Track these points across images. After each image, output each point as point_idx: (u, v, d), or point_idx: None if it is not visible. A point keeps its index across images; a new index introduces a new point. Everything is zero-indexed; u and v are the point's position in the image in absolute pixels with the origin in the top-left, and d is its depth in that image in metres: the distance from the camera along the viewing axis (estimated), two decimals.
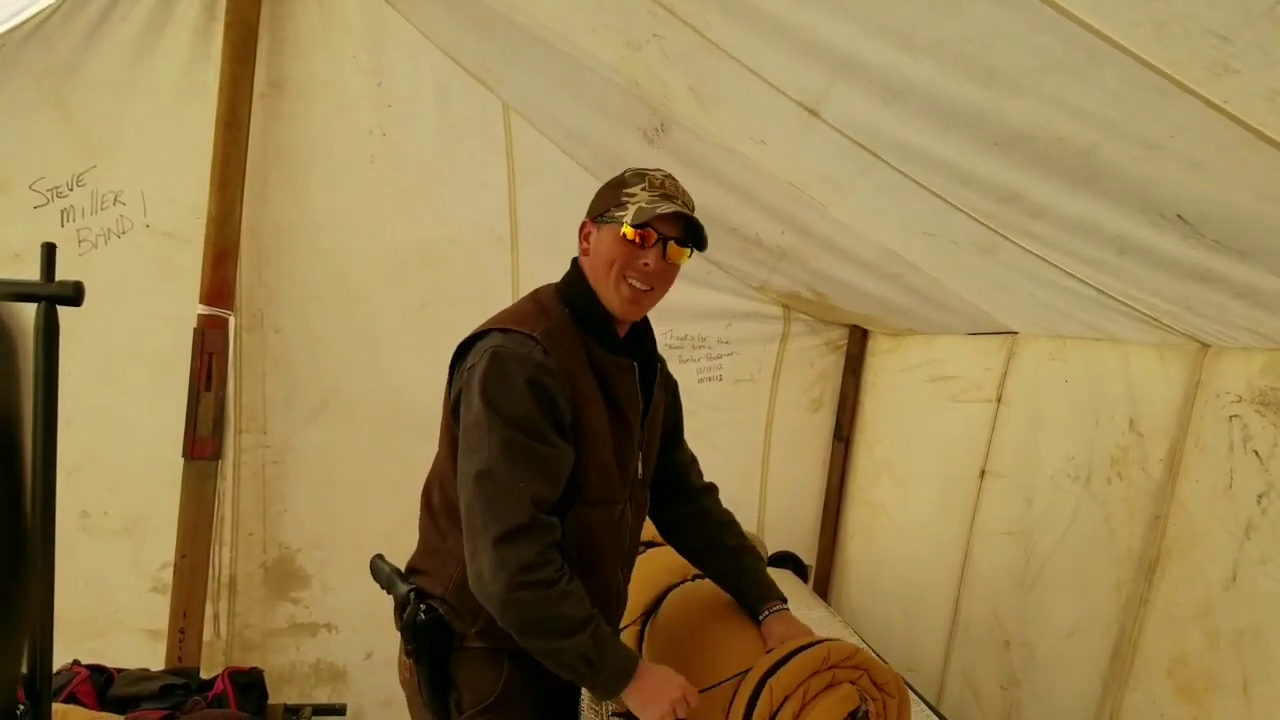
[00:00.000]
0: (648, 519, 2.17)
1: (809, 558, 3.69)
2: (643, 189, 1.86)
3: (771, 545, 3.60)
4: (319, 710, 3.37)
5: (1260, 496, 1.86)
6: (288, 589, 3.54)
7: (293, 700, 3.47)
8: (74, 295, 1.33)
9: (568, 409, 1.80)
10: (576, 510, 1.85)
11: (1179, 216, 1.56)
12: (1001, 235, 2.04)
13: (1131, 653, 2.12)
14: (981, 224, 2.04)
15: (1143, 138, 1.42)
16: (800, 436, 3.72)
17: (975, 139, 1.73)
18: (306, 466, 3.46)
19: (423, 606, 1.92)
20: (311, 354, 3.42)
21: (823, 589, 3.71)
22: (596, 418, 1.86)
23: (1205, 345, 2.09)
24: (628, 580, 2.09)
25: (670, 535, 2.25)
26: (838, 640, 1.87)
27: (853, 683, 1.81)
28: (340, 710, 3.42)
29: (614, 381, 1.90)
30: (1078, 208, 1.73)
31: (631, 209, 1.83)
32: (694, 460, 2.29)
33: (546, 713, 2.05)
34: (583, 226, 1.95)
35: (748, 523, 3.60)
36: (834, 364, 3.69)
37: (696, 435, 3.58)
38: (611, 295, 1.88)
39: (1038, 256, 2.04)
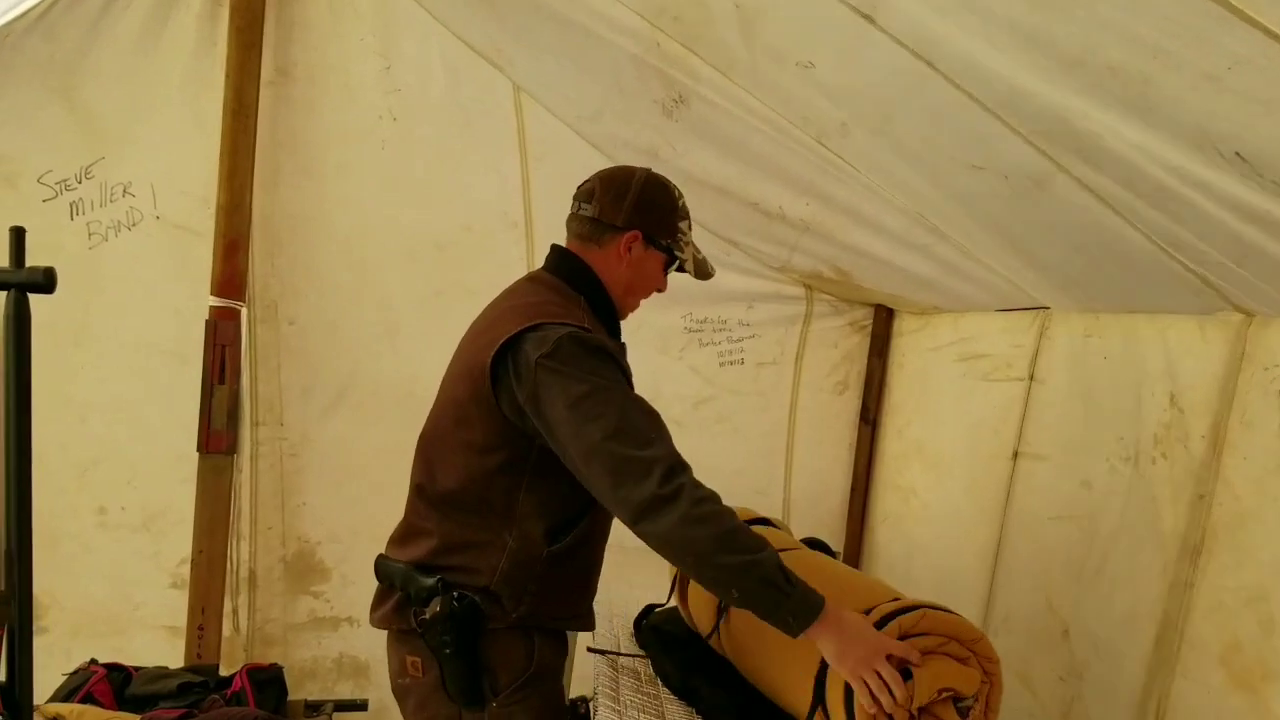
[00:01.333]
0: None
1: (836, 544, 3.60)
2: (689, 229, 2.11)
3: (797, 531, 3.50)
4: (341, 706, 3.35)
5: None
6: (308, 583, 3.50)
7: (315, 696, 3.44)
8: (45, 282, 1.27)
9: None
10: (595, 509, 1.98)
11: (1238, 154, 1.46)
12: (1056, 163, 1.93)
13: (1178, 639, 2.02)
14: (1037, 149, 1.94)
15: (1198, 68, 1.34)
16: (825, 420, 3.63)
17: (1029, 60, 1.68)
18: (324, 458, 3.41)
19: (454, 595, 1.93)
20: (327, 344, 3.37)
21: None
22: None
23: (1249, 315, 1.98)
24: None
25: None
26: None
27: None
28: (362, 705, 3.39)
29: (622, 365, 1.95)
30: (1134, 137, 1.64)
31: (689, 252, 2.10)
32: None
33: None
34: (631, 237, 2.03)
35: (772, 508, 3.53)
36: (859, 345, 3.59)
37: (720, 419, 3.54)
38: (628, 307, 2.12)
39: (1091, 191, 1.93)
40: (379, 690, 3.49)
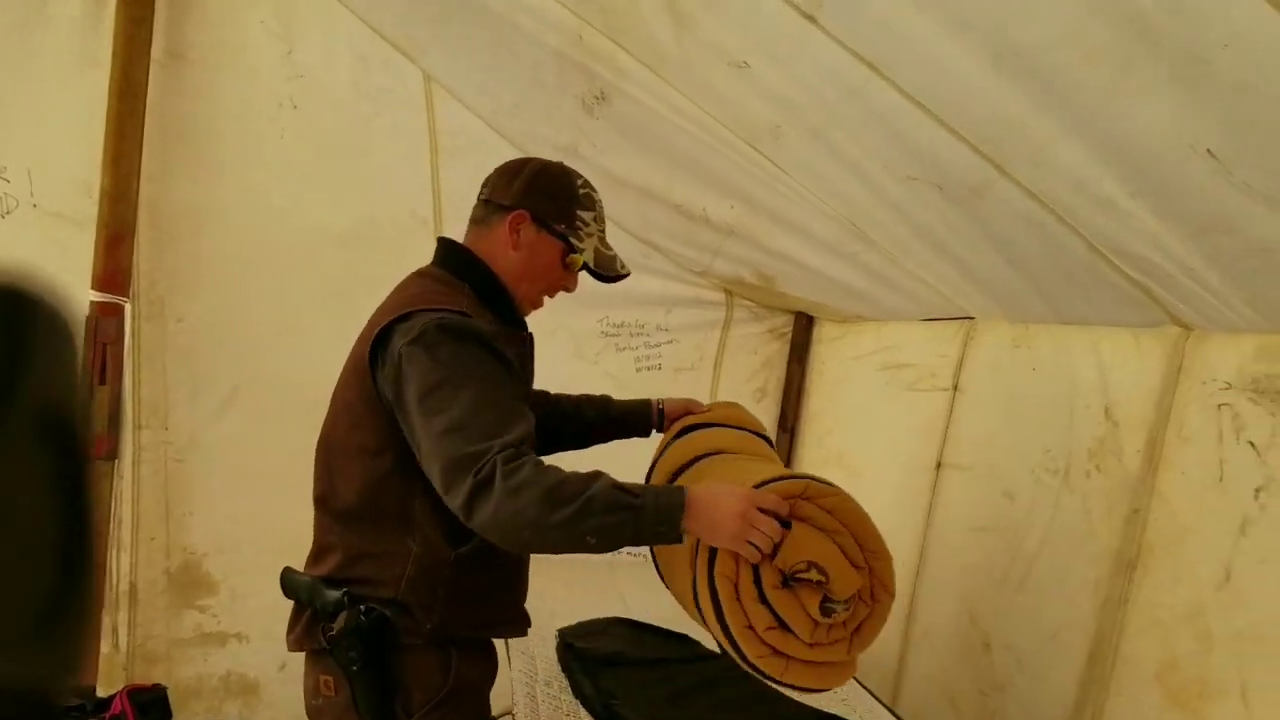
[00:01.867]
0: None
1: None
2: (594, 220, 1.96)
3: None
4: None
5: (1258, 491, 1.74)
6: (194, 596, 3.28)
7: (201, 717, 3.24)
8: None
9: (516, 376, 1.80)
10: None
11: (1209, 152, 1.43)
12: (999, 169, 1.89)
13: (1112, 656, 2.00)
14: (981, 154, 1.89)
15: (1189, 50, 1.30)
16: None
17: (986, 47, 1.60)
18: (213, 464, 3.20)
19: (361, 608, 1.80)
20: (218, 343, 3.16)
21: None
22: (520, 390, 1.85)
23: (1187, 329, 1.97)
24: None
25: (554, 446, 2.28)
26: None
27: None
28: None
29: (515, 354, 1.86)
30: (1096, 136, 1.60)
31: (589, 245, 1.95)
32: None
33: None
34: (517, 216, 1.91)
35: None
36: (778, 352, 3.54)
37: None
38: (524, 298, 1.96)
39: (1034, 197, 1.89)
40: (270, 710, 3.31)
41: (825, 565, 1.62)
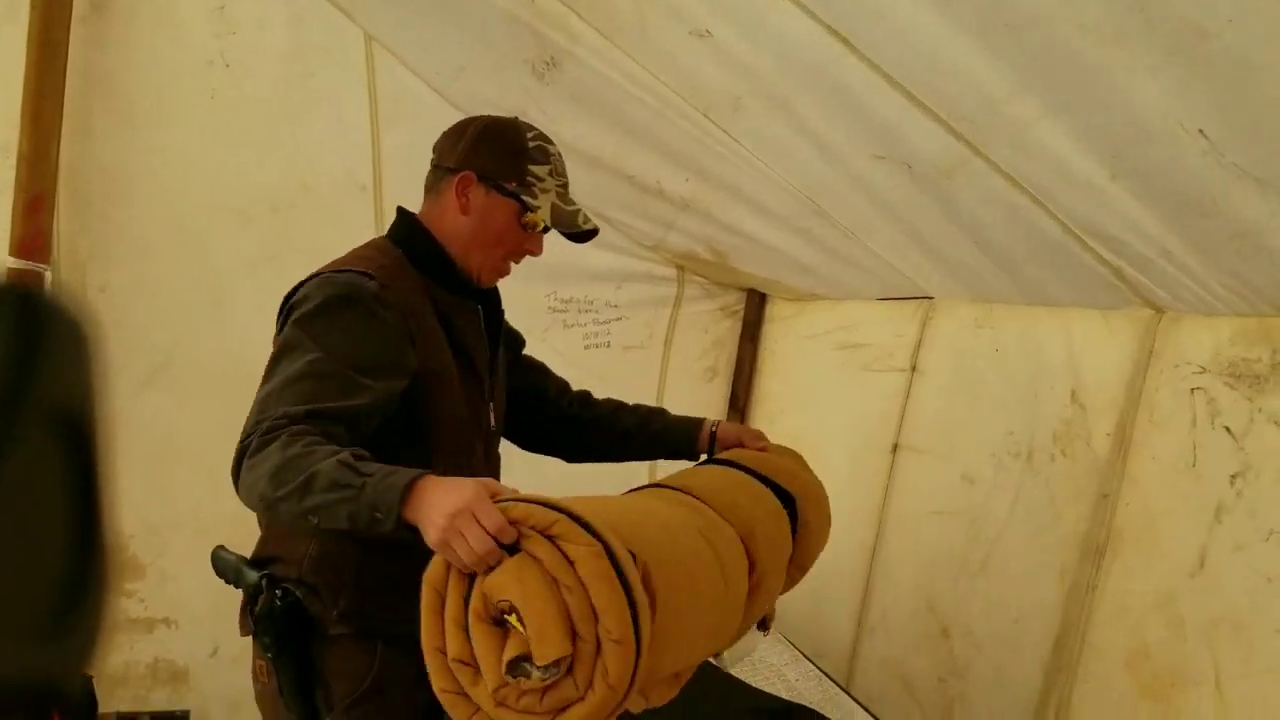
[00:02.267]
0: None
1: None
2: (549, 174, 1.79)
3: None
4: (158, 717, 3.04)
5: (1234, 477, 1.70)
6: (119, 580, 3.11)
7: (127, 707, 3.08)
8: None
9: (405, 348, 1.64)
10: (436, 464, 1.61)
11: (1200, 131, 1.38)
12: (974, 149, 1.82)
13: (1079, 643, 1.96)
14: (954, 133, 1.82)
15: (1194, 24, 1.24)
16: (693, 407, 3.42)
17: (974, 20, 1.53)
18: (139, 442, 3.01)
19: (278, 592, 1.67)
20: (144, 314, 2.98)
21: None
22: (443, 360, 1.72)
23: (1159, 311, 1.93)
24: None
25: (583, 453, 2.21)
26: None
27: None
28: (182, 716, 3.07)
29: (458, 324, 1.77)
30: (1082, 115, 1.55)
31: (544, 201, 1.77)
32: (560, 379, 2.23)
33: (434, 708, 1.78)
34: (463, 178, 1.76)
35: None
36: (730, 330, 3.45)
37: None
38: (481, 266, 1.80)
39: (1008, 178, 1.83)
40: (199, 697, 3.15)
41: (528, 615, 1.27)
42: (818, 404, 3.09)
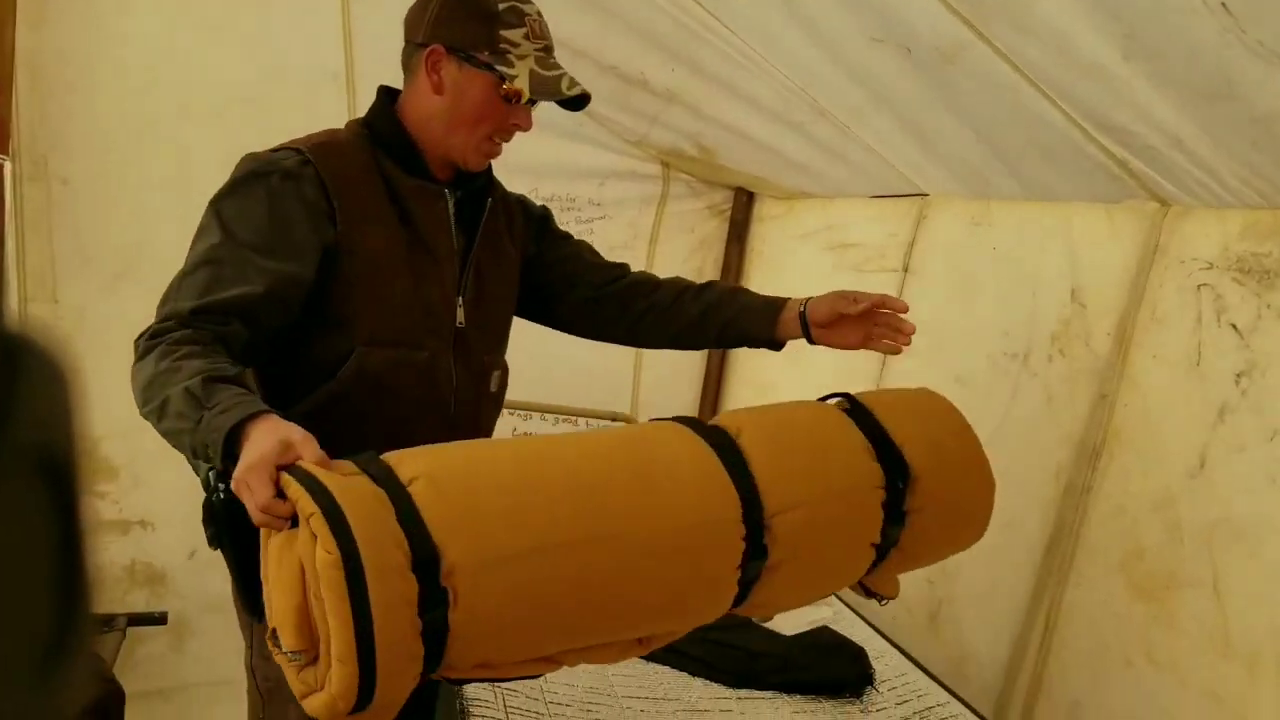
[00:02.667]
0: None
1: None
2: (525, 38, 1.62)
3: None
4: (135, 619, 3.01)
5: (1239, 376, 1.64)
6: (92, 482, 3.05)
7: (105, 608, 3.05)
8: None
9: (319, 225, 1.55)
10: (360, 352, 1.60)
11: (1223, 5, 1.28)
12: (976, 31, 1.72)
13: (1073, 545, 1.93)
14: (958, 15, 1.72)
15: None
16: None
17: None
18: (109, 341, 2.85)
19: (221, 486, 1.57)
20: (109, 208, 2.87)
21: None
22: (382, 242, 1.62)
23: (1165, 205, 1.85)
24: None
25: (638, 338, 2.07)
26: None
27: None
28: (160, 619, 3.05)
29: (415, 209, 1.66)
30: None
31: (522, 69, 1.61)
32: (603, 261, 2.04)
33: None
34: (431, 53, 1.62)
35: (621, 405, 3.31)
36: (717, 230, 3.36)
37: None
38: (465, 148, 1.67)
39: (1011, 63, 1.73)
40: (179, 599, 3.12)
41: (272, 601, 1.22)
42: None
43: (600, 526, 1.25)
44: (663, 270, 3.32)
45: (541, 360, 3.19)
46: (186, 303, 1.43)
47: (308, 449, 1.22)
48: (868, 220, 2.74)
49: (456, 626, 1.16)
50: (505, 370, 1.90)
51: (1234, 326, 1.67)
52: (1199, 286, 1.75)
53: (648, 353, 3.37)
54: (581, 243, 2.03)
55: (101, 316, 2.91)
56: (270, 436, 1.22)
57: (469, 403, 1.77)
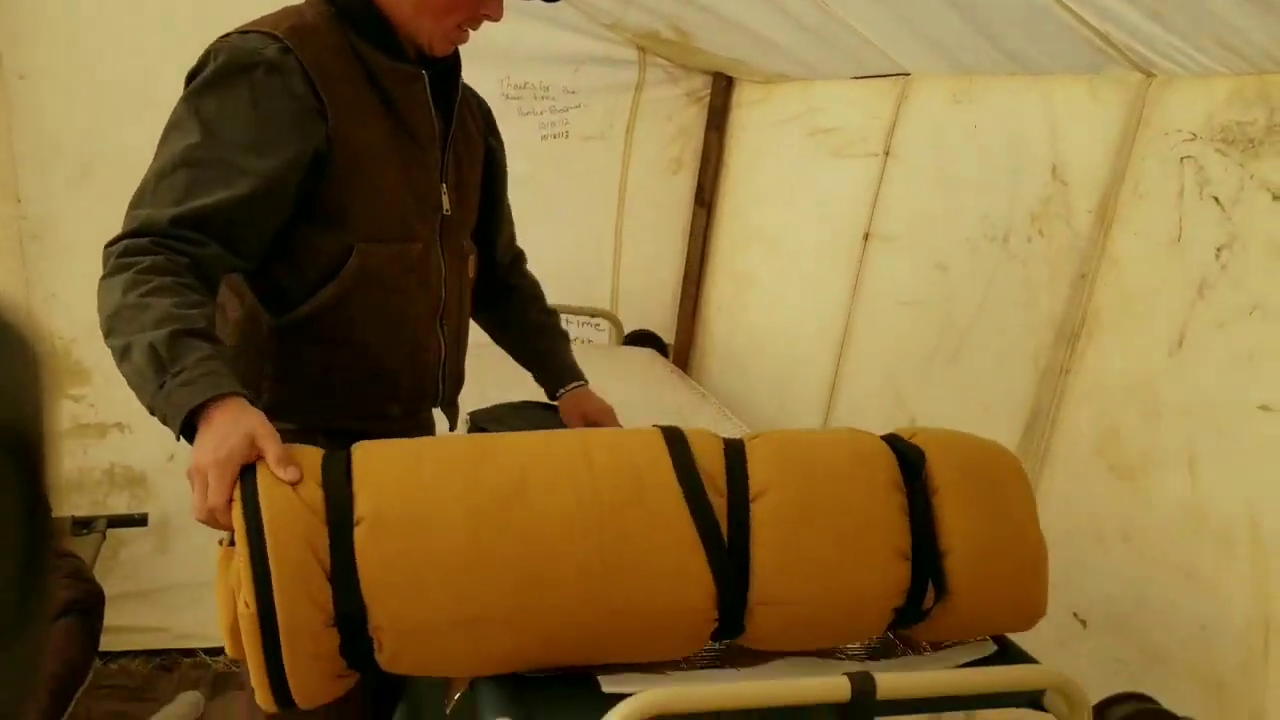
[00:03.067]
0: None
1: (667, 336, 3.39)
2: None
3: (627, 323, 3.28)
4: (115, 521, 3.02)
5: (1220, 250, 1.60)
6: (65, 385, 3.02)
7: (85, 511, 3.05)
8: None
9: (307, 120, 1.48)
10: (360, 249, 1.56)
11: None
12: None
13: (1049, 428, 1.90)
14: None
15: None
16: (657, 201, 3.33)
17: None
18: (74, 242, 2.87)
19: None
20: (69, 104, 2.79)
21: (682, 369, 3.43)
22: (370, 132, 1.56)
23: (1149, 75, 1.78)
24: (456, 347, 1.79)
25: (475, 310, 2.00)
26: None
27: None
28: (141, 520, 3.06)
29: (396, 92, 1.59)
30: None
31: None
32: (513, 236, 2.08)
33: None
34: None
35: (599, 299, 3.27)
36: (695, 117, 3.27)
37: (541, 201, 3.16)
38: (432, 34, 1.60)
39: None
40: (159, 503, 3.13)
41: (219, 603, 1.22)
42: (787, 194, 2.95)
43: (543, 603, 1.18)
44: (640, 162, 3.26)
45: None
46: (164, 210, 1.37)
47: (270, 446, 1.19)
48: (848, 103, 2.66)
49: (385, 663, 1.17)
50: (476, 254, 1.88)
51: (1216, 199, 1.62)
52: (1182, 159, 1.70)
53: (627, 247, 3.32)
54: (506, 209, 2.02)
55: (66, 215, 2.86)
56: (236, 430, 1.20)
57: (455, 291, 1.75)
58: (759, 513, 1.26)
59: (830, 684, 1.16)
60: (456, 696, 1.26)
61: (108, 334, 1.29)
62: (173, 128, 1.43)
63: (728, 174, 3.28)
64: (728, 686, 1.21)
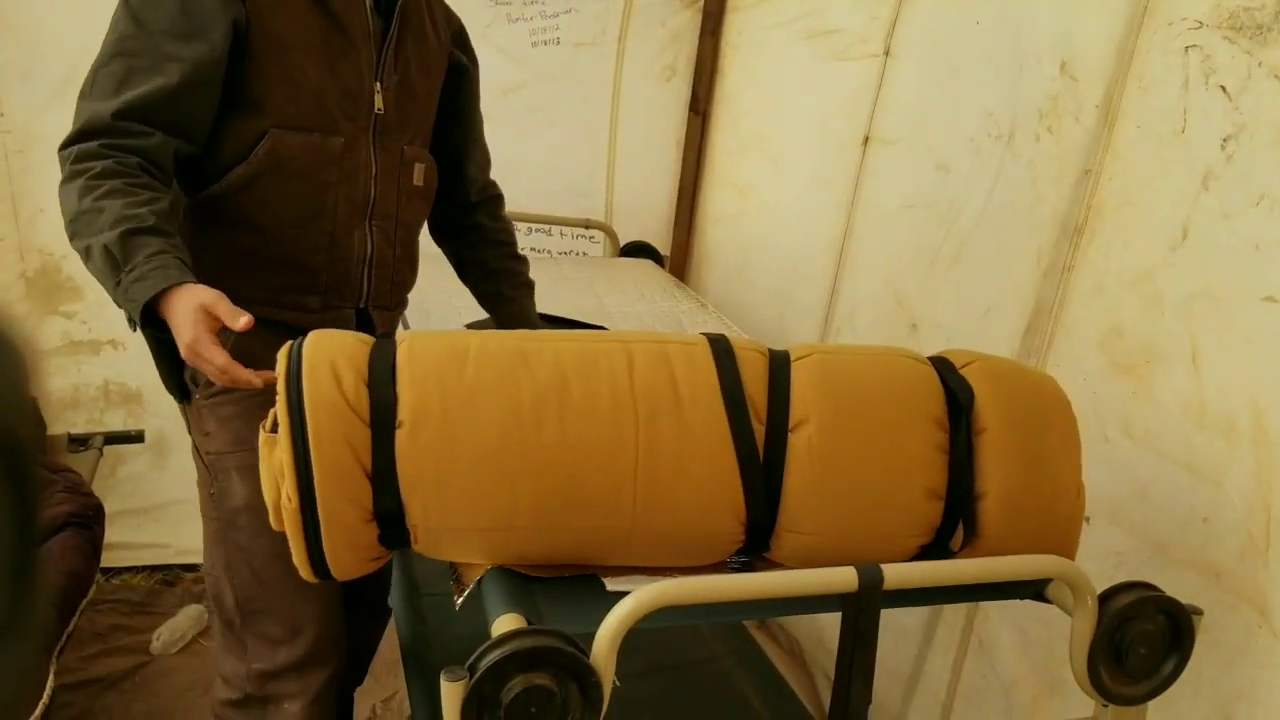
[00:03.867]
0: None
1: (664, 247, 3.36)
2: None
3: (622, 235, 3.25)
4: (112, 438, 3.01)
5: (1226, 140, 1.58)
6: (56, 302, 2.99)
7: (80, 428, 3.05)
8: None
9: (230, 3, 1.52)
10: (274, 135, 1.60)
11: None
12: None
13: (1051, 325, 1.90)
14: None
15: None
16: (652, 110, 3.27)
17: None
18: (55, 157, 2.83)
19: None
20: (48, 14, 2.72)
21: (680, 280, 3.42)
22: (291, 20, 1.58)
23: None
24: (397, 245, 1.80)
25: (438, 238, 2.08)
26: None
27: None
28: (138, 437, 3.05)
29: None
30: None
31: None
32: (487, 161, 2.03)
33: None
34: None
35: (594, 210, 3.24)
36: (689, 23, 3.19)
37: (533, 110, 3.13)
38: None
39: None
40: (157, 420, 3.12)
41: (264, 483, 1.29)
42: (784, 100, 2.91)
43: (571, 515, 1.21)
44: (634, 69, 3.20)
45: (513, 166, 3.11)
46: (105, 104, 1.44)
47: (221, 308, 1.31)
48: (848, 3, 2.60)
49: (420, 550, 1.24)
50: (431, 165, 1.86)
51: (1222, 88, 1.60)
52: (1187, 48, 1.67)
53: (621, 157, 3.28)
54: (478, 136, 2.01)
55: (52, 129, 2.77)
56: (188, 311, 1.30)
57: (389, 193, 1.75)
58: (796, 443, 1.26)
59: (837, 574, 1.18)
60: (465, 593, 1.28)
61: (71, 238, 1.39)
62: (111, 23, 1.51)
63: (723, 81, 3.22)
64: (736, 579, 1.22)
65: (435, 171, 1.88)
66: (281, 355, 1.22)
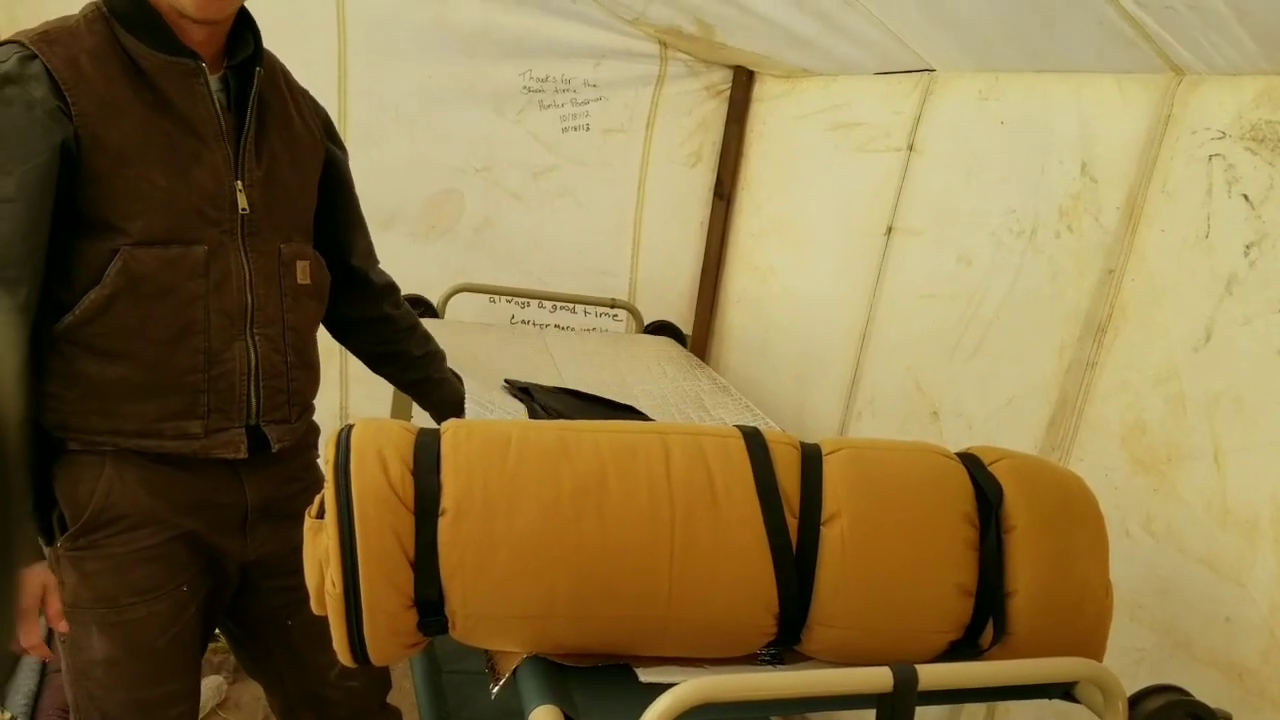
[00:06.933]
0: None
1: (686, 327, 3.41)
2: None
3: (646, 314, 3.30)
4: None
5: (1249, 247, 1.62)
6: None
7: None
8: None
9: (53, 125, 1.43)
10: (124, 253, 1.50)
11: None
12: None
13: (1075, 420, 1.93)
14: None
15: None
16: (677, 194, 3.34)
17: None
18: None
19: None
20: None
21: (701, 359, 3.46)
22: (128, 130, 1.49)
23: (1180, 73, 1.80)
24: (287, 352, 1.71)
25: (344, 338, 2.03)
26: None
27: None
28: None
29: (169, 88, 1.53)
30: None
31: None
32: (371, 250, 1.98)
33: (198, 545, 1.68)
34: None
35: (618, 289, 3.29)
36: (715, 111, 3.28)
37: (562, 192, 3.20)
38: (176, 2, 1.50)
39: None
40: None
41: (306, 568, 1.32)
42: (808, 188, 2.97)
43: (605, 604, 1.23)
44: (661, 154, 3.27)
45: (541, 246, 3.17)
46: None
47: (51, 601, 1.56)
48: (872, 98, 2.67)
49: (458, 637, 1.26)
50: (318, 261, 1.78)
51: (1245, 197, 1.64)
52: (1210, 157, 1.72)
53: (646, 238, 3.34)
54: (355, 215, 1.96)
55: None
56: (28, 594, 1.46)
57: (272, 297, 1.67)
58: (829, 536, 1.28)
59: (873, 674, 1.19)
60: (501, 682, 1.29)
61: None
62: None
63: (747, 167, 3.29)
64: (771, 676, 1.23)
65: (324, 267, 1.79)
66: (330, 443, 1.25)
